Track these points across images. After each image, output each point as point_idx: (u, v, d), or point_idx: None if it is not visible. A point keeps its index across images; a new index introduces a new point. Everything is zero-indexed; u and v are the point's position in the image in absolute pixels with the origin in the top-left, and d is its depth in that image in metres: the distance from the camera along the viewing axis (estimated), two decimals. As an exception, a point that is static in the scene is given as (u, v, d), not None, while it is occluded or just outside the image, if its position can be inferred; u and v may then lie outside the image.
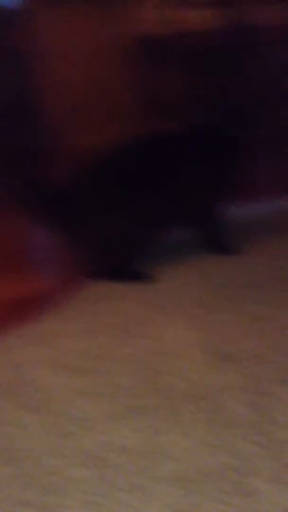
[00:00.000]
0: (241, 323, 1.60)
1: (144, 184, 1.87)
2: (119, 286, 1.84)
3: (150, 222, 1.90)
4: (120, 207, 1.85)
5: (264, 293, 1.74)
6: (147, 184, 1.88)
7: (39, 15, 3.44)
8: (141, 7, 3.72)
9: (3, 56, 3.33)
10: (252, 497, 1.05)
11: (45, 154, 2.85)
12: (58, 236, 1.91)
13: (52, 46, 3.64)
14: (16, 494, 1.08)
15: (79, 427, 1.24)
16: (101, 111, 3.73)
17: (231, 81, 3.93)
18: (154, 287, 1.84)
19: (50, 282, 1.90)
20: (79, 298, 1.78)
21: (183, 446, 1.17)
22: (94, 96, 3.75)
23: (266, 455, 1.14)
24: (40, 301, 1.76)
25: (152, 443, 1.18)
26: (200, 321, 1.63)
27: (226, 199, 2.02)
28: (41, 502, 1.06)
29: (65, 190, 1.88)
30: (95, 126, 3.67)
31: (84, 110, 3.74)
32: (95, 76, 3.73)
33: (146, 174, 1.88)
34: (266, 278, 1.83)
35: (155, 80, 3.73)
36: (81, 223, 1.86)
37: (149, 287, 1.84)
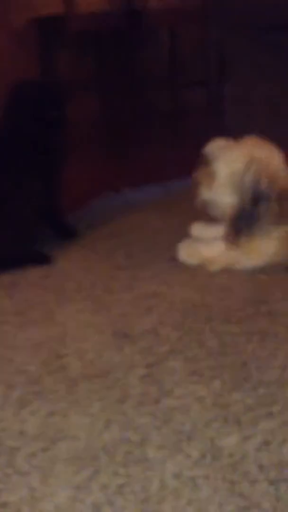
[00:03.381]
0: (135, 301, 1.66)
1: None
2: (16, 272, 1.85)
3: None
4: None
5: (153, 272, 1.82)
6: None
7: None
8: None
9: None
10: (143, 465, 1.10)
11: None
12: None
13: None
14: None
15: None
16: None
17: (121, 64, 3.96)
18: (52, 270, 1.86)
19: None
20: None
21: (79, 424, 1.21)
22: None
23: (156, 424, 1.20)
24: None
25: (49, 425, 1.22)
26: (97, 302, 1.67)
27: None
28: None
29: None
30: None
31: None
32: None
33: None
34: (153, 258, 1.91)
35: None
36: None
37: (48, 270, 1.86)
